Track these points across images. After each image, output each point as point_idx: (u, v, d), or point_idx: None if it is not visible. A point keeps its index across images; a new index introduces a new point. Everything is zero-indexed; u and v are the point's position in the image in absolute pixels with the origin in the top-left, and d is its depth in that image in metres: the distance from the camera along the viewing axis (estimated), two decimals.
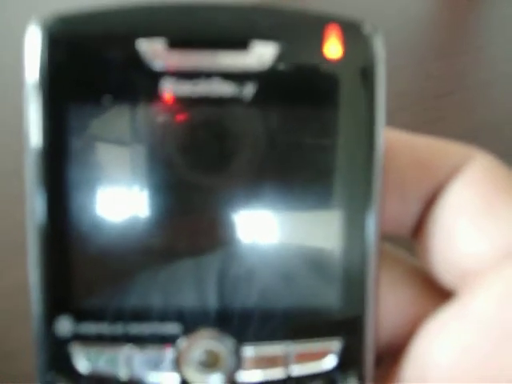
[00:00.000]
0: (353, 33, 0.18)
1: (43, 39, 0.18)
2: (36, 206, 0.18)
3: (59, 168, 0.18)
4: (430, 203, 0.20)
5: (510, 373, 0.17)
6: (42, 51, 0.18)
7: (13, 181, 0.51)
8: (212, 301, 0.19)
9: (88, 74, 0.18)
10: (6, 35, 0.68)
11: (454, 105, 0.64)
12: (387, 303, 0.20)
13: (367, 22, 0.18)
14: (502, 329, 0.18)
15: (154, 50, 0.17)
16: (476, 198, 0.19)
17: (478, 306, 0.18)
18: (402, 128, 0.20)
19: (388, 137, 0.19)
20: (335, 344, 0.19)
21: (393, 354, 0.20)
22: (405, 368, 0.19)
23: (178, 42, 0.17)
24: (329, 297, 0.19)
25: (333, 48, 0.18)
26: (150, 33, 0.17)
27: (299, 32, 0.18)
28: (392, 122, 0.19)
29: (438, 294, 0.20)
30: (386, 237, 0.20)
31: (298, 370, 0.19)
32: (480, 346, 0.18)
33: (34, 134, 0.18)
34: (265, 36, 0.18)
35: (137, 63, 0.17)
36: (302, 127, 0.18)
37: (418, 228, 0.20)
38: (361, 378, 0.19)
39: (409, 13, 0.80)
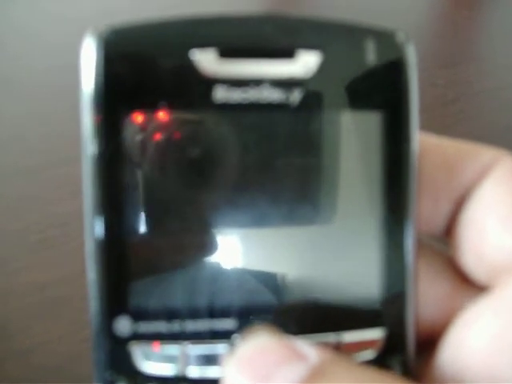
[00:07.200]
0: (388, 41, 0.20)
1: (99, 51, 0.18)
2: (93, 210, 0.18)
3: (114, 172, 0.18)
4: (460, 203, 0.21)
5: None
6: (98, 63, 0.18)
7: (26, 182, 0.52)
8: (265, 297, 0.19)
9: (143, 83, 0.18)
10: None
11: (459, 113, 0.66)
12: (427, 297, 0.21)
13: (400, 31, 0.20)
14: None
15: (206, 60, 0.18)
16: (506, 196, 0.20)
17: (511, 297, 0.19)
18: None
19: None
20: (379, 333, 0.20)
21: (432, 345, 0.20)
22: (441, 354, 0.20)
23: (228, 52, 0.18)
24: (372, 289, 0.20)
25: (370, 55, 0.19)
26: (202, 43, 0.18)
27: (340, 41, 0.19)
28: None
29: (471, 287, 0.21)
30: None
31: None
32: None
33: (91, 142, 0.18)
34: (309, 45, 0.19)
35: (190, 72, 0.18)
36: (343, 131, 0.20)
37: (450, 227, 0.21)
38: (404, 365, 0.20)
39: (412, 24, 0.81)
